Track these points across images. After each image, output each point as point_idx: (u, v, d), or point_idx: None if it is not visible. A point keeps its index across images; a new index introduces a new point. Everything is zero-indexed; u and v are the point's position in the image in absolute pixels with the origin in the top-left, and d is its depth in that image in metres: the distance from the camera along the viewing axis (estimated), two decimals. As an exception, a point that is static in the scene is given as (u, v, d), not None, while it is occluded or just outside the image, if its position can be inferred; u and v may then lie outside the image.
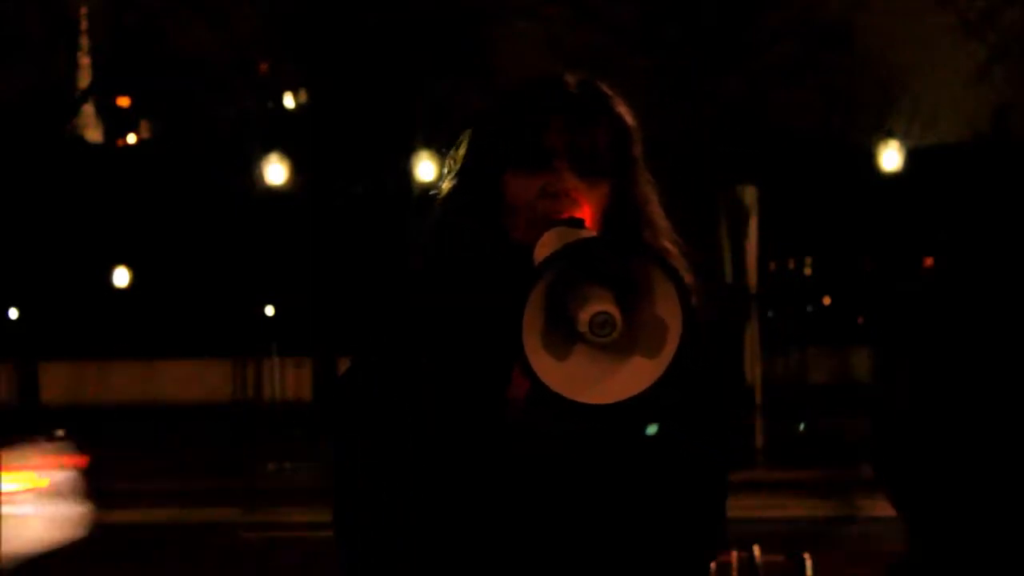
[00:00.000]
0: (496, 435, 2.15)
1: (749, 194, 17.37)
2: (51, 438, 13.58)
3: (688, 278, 2.26)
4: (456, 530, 2.16)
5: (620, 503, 2.17)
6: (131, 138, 58.79)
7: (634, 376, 1.99)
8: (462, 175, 2.30)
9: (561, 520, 2.17)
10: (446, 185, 2.32)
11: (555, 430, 2.13)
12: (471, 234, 2.24)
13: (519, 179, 2.23)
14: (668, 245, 2.28)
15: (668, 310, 1.98)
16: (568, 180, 2.21)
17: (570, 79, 2.29)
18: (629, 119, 2.28)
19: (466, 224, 2.25)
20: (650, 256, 2.01)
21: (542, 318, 1.99)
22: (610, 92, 2.29)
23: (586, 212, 2.19)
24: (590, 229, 2.15)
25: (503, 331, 2.00)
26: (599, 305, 1.96)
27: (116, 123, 58.56)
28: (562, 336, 2.00)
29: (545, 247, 2.10)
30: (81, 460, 13.10)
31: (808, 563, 7.53)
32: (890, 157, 29.31)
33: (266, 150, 29.10)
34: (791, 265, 43.39)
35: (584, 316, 1.96)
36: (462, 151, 2.33)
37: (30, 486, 12.21)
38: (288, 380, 30.08)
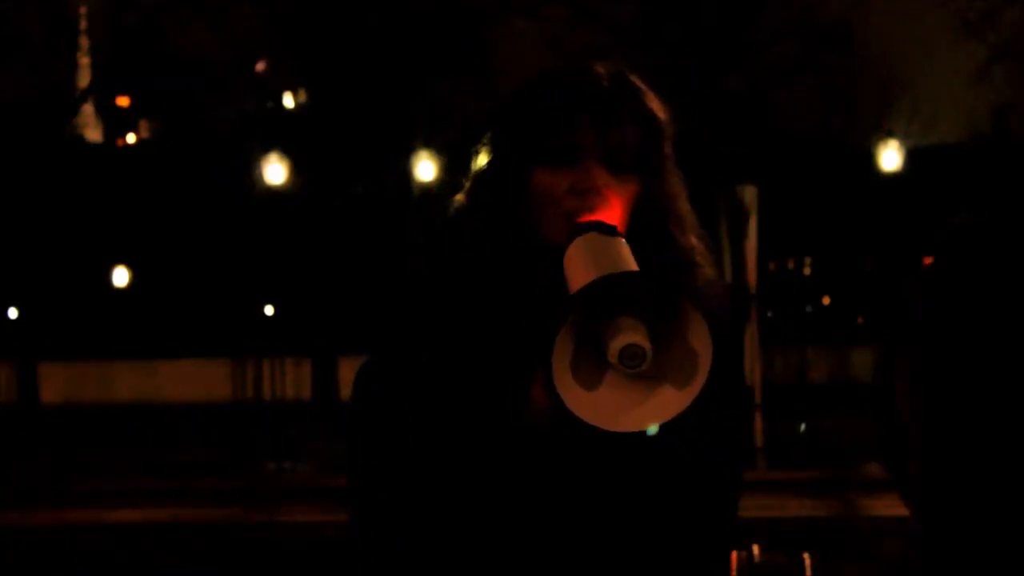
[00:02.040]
0: (503, 436, 2.14)
1: (749, 194, 17.35)
2: None
3: (712, 272, 2.26)
4: (460, 531, 2.15)
5: (627, 505, 2.16)
6: (131, 138, 58.80)
7: (662, 406, 2.00)
8: (485, 171, 2.28)
9: (567, 522, 2.16)
10: (467, 183, 2.30)
11: (576, 448, 2.13)
12: (495, 231, 2.22)
13: (547, 175, 2.19)
14: (694, 241, 2.27)
15: (699, 342, 1.99)
16: (598, 176, 2.18)
17: (601, 70, 2.25)
18: (661, 114, 2.26)
19: (470, 224, 2.23)
20: (683, 292, 2.01)
21: (571, 345, 1.99)
22: (642, 86, 2.27)
23: (616, 209, 2.17)
24: (622, 236, 2.14)
25: (527, 333, 2.00)
26: (630, 336, 1.97)
27: (116, 123, 58.57)
28: (591, 363, 2.00)
29: (577, 261, 2.08)
30: None
31: (808, 563, 7.53)
32: (890, 157, 29.29)
33: (266, 150, 29.06)
34: (791, 265, 43.38)
35: (615, 346, 1.97)
36: (484, 149, 2.30)
37: None
38: (288, 380, 30.04)
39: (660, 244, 2.21)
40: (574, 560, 2.16)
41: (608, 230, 2.13)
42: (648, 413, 2.00)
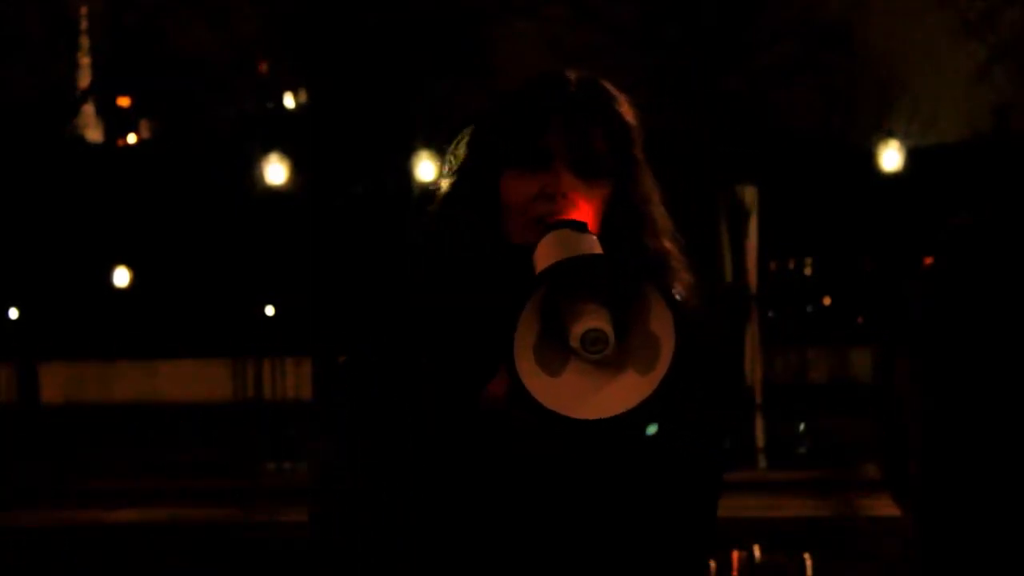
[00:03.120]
0: (493, 434, 2.15)
1: (749, 194, 17.34)
2: None
3: (688, 276, 2.25)
4: (456, 530, 2.15)
5: (617, 503, 2.16)
6: (131, 138, 58.86)
7: (625, 392, 1.98)
8: (460, 173, 2.29)
9: (558, 519, 2.16)
10: (444, 183, 2.31)
11: (536, 433, 2.12)
12: (468, 233, 2.23)
13: (518, 179, 2.21)
14: (668, 245, 2.27)
15: (662, 328, 1.98)
16: (566, 181, 2.18)
17: (571, 76, 2.26)
18: (630, 119, 2.26)
19: (462, 223, 2.24)
20: (645, 275, 2.00)
21: (536, 329, 1.98)
22: (612, 91, 2.27)
23: (584, 213, 2.17)
24: (592, 234, 2.14)
25: (496, 331, 1.99)
26: (592, 321, 1.96)
27: (116, 123, 58.64)
28: (555, 349, 1.99)
29: (545, 253, 2.09)
30: None
31: (808, 563, 7.53)
32: (890, 157, 29.30)
33: (266, 150, 29.07)
34: (791, 265, 43.38)
35: (576, 331, 1.96)
36: (461, 149, 2.31)
37: None
38: (288, 380, 30.03)
39: (632, 249, 2.21)
40: (566, 556, 2.16)
41: (579, 227, 2.13)
42: (611, 399, 1.98)
